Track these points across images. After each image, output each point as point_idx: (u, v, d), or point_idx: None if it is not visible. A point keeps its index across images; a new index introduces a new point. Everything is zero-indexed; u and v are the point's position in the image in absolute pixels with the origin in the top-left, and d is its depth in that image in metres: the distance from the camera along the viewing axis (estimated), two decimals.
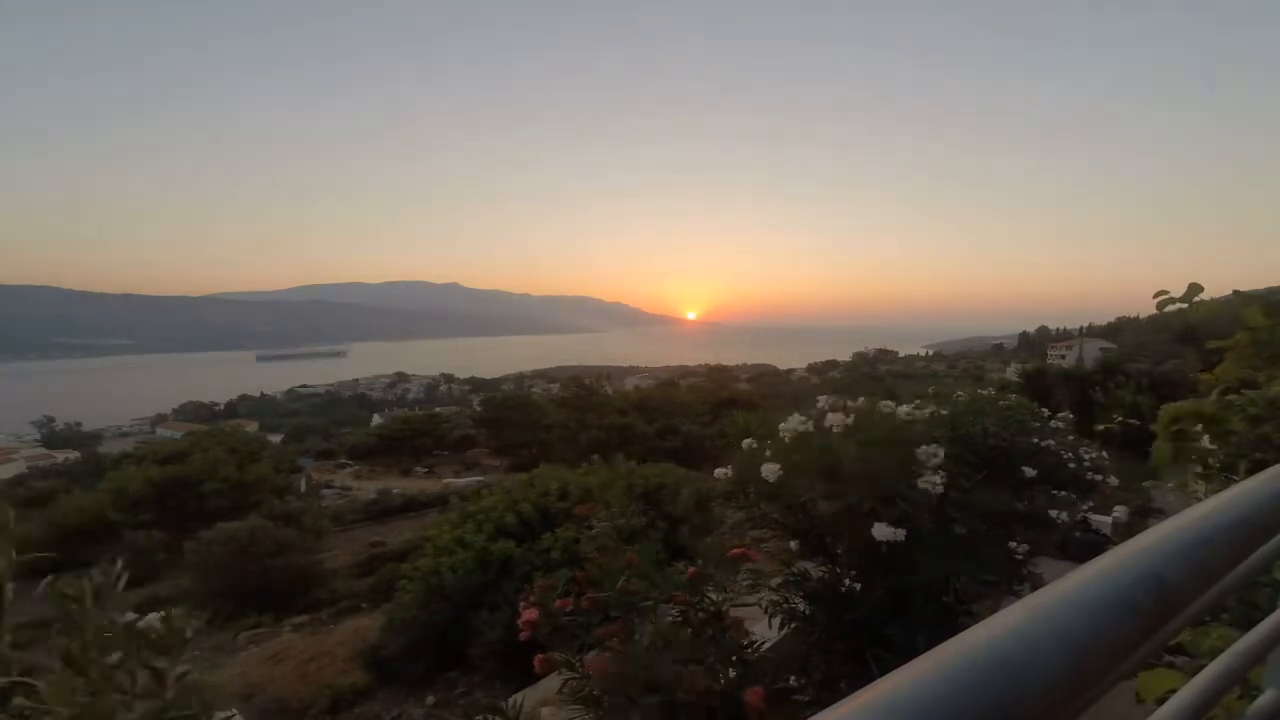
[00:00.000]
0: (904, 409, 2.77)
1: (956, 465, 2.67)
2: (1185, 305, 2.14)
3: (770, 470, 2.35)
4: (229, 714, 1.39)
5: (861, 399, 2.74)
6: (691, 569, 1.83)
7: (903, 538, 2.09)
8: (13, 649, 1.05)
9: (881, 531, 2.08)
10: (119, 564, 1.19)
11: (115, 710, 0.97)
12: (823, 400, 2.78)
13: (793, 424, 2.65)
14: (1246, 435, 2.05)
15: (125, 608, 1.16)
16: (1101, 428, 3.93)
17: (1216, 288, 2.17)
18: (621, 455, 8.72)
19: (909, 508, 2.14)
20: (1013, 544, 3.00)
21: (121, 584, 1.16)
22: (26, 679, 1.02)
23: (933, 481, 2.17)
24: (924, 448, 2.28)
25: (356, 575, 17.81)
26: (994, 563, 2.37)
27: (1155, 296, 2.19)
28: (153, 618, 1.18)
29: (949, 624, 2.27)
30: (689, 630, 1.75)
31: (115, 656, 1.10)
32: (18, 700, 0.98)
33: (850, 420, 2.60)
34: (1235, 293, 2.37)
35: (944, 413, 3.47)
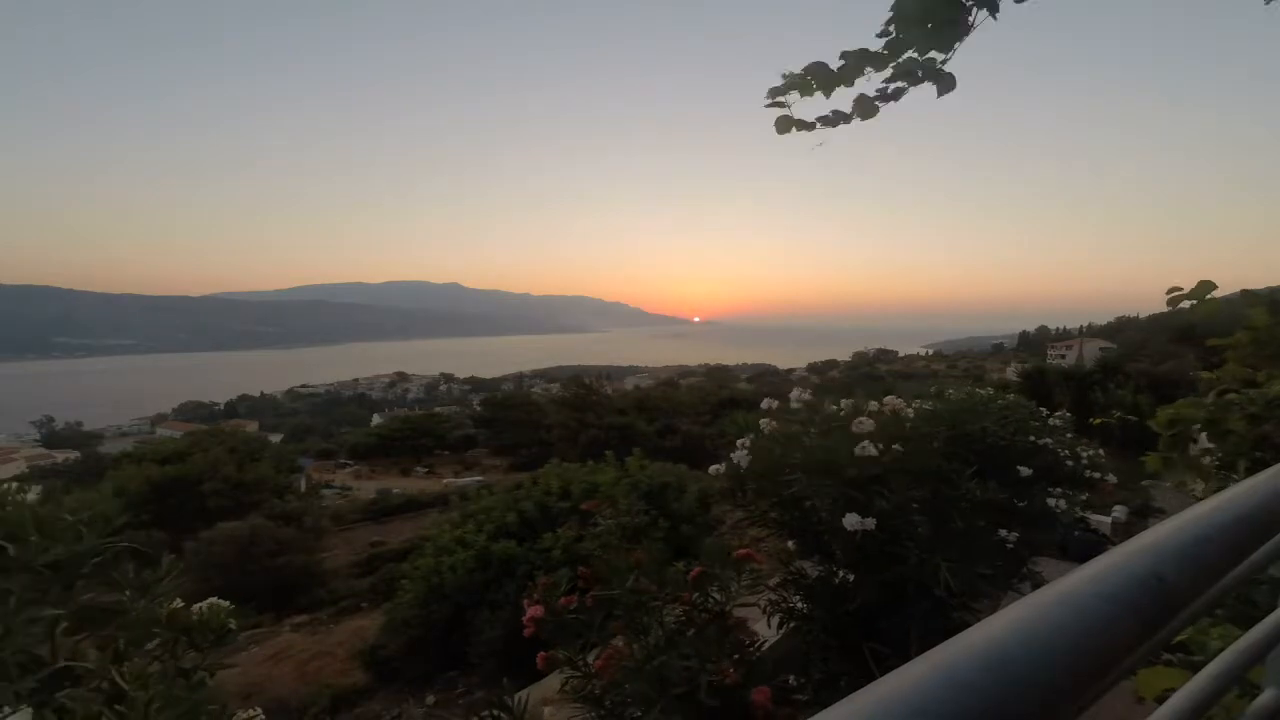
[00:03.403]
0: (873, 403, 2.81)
1: (952, 463, 2.68)
2: (1195, 302, 2.13)
3: (741, 456, 2.41)
4: (253, 713, 1.40)
5: (844, 400, 2.76)
6: (697, 568, 1.83)
7: (873, 526, 2.10)
8: (64, 633, 1.07)
9: (851, 521, 2.10)
10: (171, 559, 1.20)
11: (150, 703, 0.98)
12: (795, 393, 2.81)
13: (767, 416, 2.70)
14: (1246, 434, 2.05)
15: (171, 598, 1.18)
16: (1098, 421, 3.92)
17: (1220, 287, 2.17)
18: (639, 450, 8.66)
19: (878, 489, 2.17)
20: (1002, 533, 3.01)
21: (171, 576, 1.17)
22: (75, 663, 1.04)
23: (865, 448, 2.22)
24: (857, 420, 2.33)
25: (356, 575, 17.81)
26: (983, 553, 2.37)
27: (1168, 293, 2.18)
28: (197, 607, 1.20)
29: (941, 617, 2.28)
30: (693, 630, 1.75)
31: (153, 644, 1.11)
32: (68, 690, 1.00)
33: (800, 407, 2.68)
34: (1243, 292, 2.37)
35: (928, 408, 3.48)
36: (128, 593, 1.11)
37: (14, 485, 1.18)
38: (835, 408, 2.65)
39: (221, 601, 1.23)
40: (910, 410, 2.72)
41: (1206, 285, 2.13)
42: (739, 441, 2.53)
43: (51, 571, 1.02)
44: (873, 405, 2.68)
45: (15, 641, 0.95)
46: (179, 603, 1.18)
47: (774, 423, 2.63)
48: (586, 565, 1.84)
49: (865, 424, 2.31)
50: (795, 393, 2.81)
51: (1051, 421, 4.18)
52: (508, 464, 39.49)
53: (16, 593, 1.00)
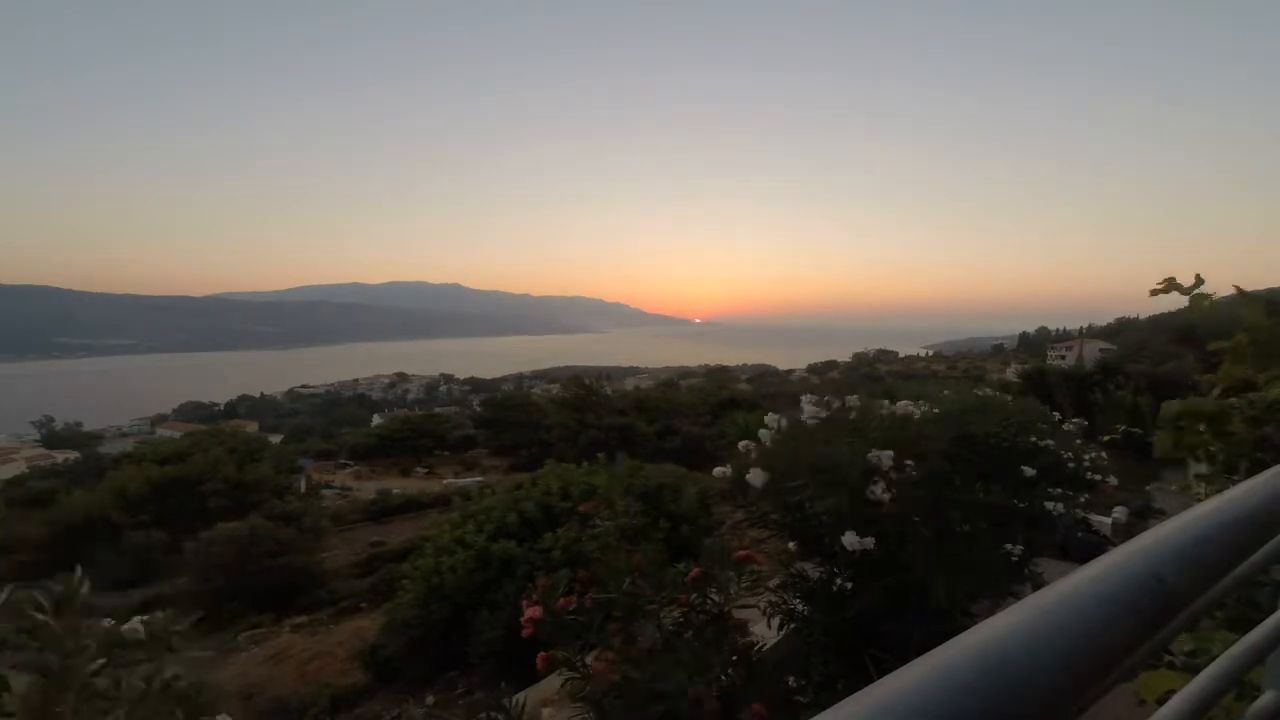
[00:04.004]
0: (901, 403, 2.75)
1: (955, 465, 2.67)
2: (1184, 296, 2.12)
3: (757, 476, 2.35)
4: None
5: (851, 397, 2.72)
6: (696, 570, 1.82)
7: (871, 546, 2.07)
8: None
9: (850, 540, 2.06)
10: (81, 572, 1.16)
11: None
12: (806, 400, 2.75)
13: (770, 425, 2.65)
14: (1247, 436, 2.05)
15: (90, 616, 1.14)
16: (1105, 439, 3.91)
17: (1217, 288, 2.16)
18: (625, 455, 8.64)
19: (879, 497, 2.14)
20: (1009, 545, 2.99)
21: (83, 593, 1.13)
22: None
23: (880, 457, 2.17)
24: (871, 453, 2.24)
25: (356, 575, 17.79)
26: (987, 565, 2.36)
27: (1153, 291, 2.17)
28: (135, 621, 1.17)
29: (942, 622, 2.27)
30: (691, 632, 1.74)
31: (96, 664, 1.08)
32: None
33: (822, 415, 2.61)
34: (1237, 291, 2.36)
35: (936, 411, 3.46)
36: (40, 616, 1.06)
37: None
38: (847, 410, 2.61)
39: (160, 614, 1.21)
40: (917, 412, 2.70)
41: (1198, 280, 2.12)
42: (742, 445, 2.52)
43: None
44: (881, 408, 2.66)
45: None
46: (107, 622, 1.15)
47: (779, 436, 2.60)
48: (586, 567, 1.84)
49: (885, 461, 2.23)
50: (805, 405, 2.71)
51: (1066, 427, 4.13)
52: (508, 464, 39.48)
53: None
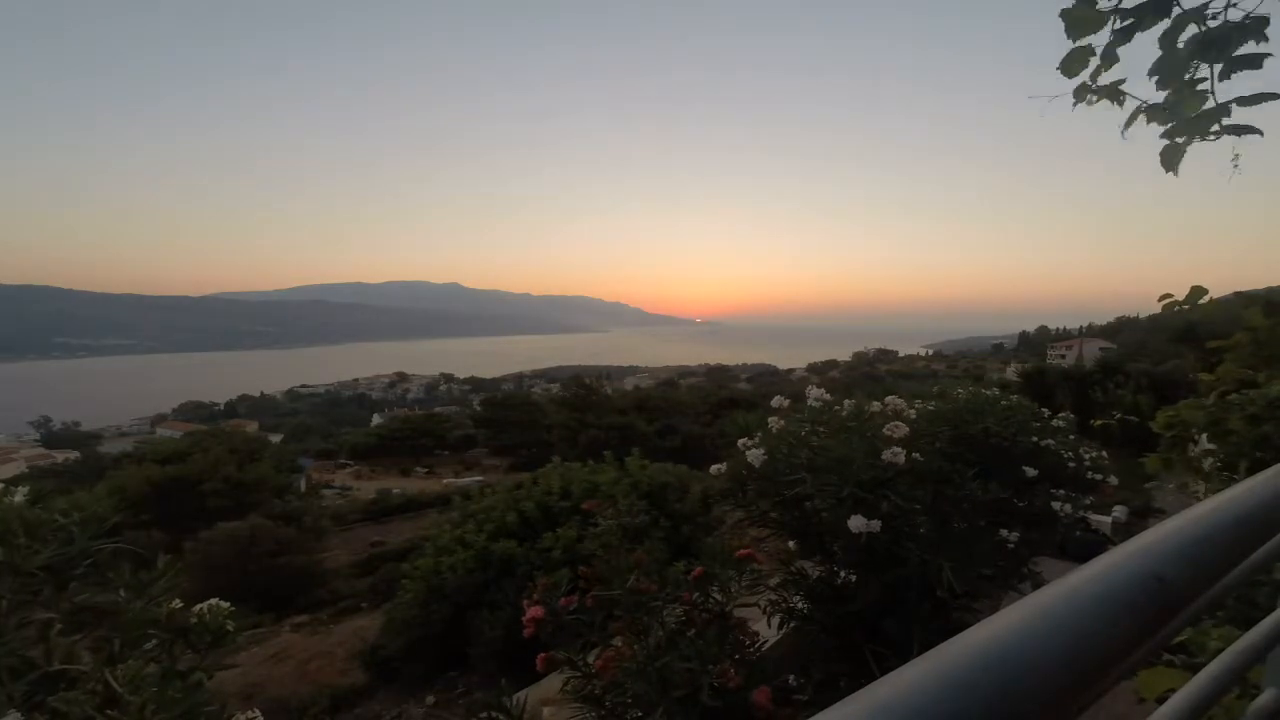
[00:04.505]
0: (891, 399, 2.78)
1: (954, 464, 2.68)
2: (1188, 307, 2.14)
3: (756, 455, 2.39)
4: (253, 714, 1.41)
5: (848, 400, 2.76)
6: (698, 569, 1.83)
7: (878, 529, 2.09)
8: (58, 635, 1.06)
9: (856, 523, 2.08)
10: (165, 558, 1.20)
11: (144, 706, 0.98)
12: (812, 391, 2.81)
13: (776, 414, 2.69)
14: (1246, 435, 2.06)
15: (169, 599, 1.17)
16: (1099, 423, 3.92)
17: (1218, 288, 2.19)
18: (638, 450, 8.57)
19: (886, 493, 2.16)
20: (1004, 532, 3.01)
21: (167, 576, 1.17)
22: (69, 666, 1.03)
23: (895, 452, 2.20)
24: (890, 425, 2.30)
25: (356, 575, 17.80)
26: (984, 554, 2.36)
27: (1160, 300, 2.19)
28: (197, 608, 1.19)
29: (943, 617, 2.28)
30: (694, 630, 1.75)
31: (149, 645, 1.11)
32: (62, 694, 0.99)
33: (820, 405, 2.67)
34: (1237, 294, 2.38)
35: (930, 408, 3.48)
36: (123, 593, 1.10)
37: (1, 487, 1.17)
38: (840, 408, 2.65)
39: (221, 603, 1.23)
40: (912, 412, 2.71)
41: (1198, 291, 2.15)
42: (741, 443, 2.52)
43: (44, 573, 1.02)
44: (874, 405, 2.67)
45: (7, 644, 0.94)
46: (178, 603, 1.18)
47: (782, 421, 2.63)
48: (587, 565, 1.84)
49: (900, 429, 2.28)
50: (812, 390, 2.81)
51: (1055, 422, 4.17)
52: (508, 464, 39.54)
53: (7, 595, 0.99)
